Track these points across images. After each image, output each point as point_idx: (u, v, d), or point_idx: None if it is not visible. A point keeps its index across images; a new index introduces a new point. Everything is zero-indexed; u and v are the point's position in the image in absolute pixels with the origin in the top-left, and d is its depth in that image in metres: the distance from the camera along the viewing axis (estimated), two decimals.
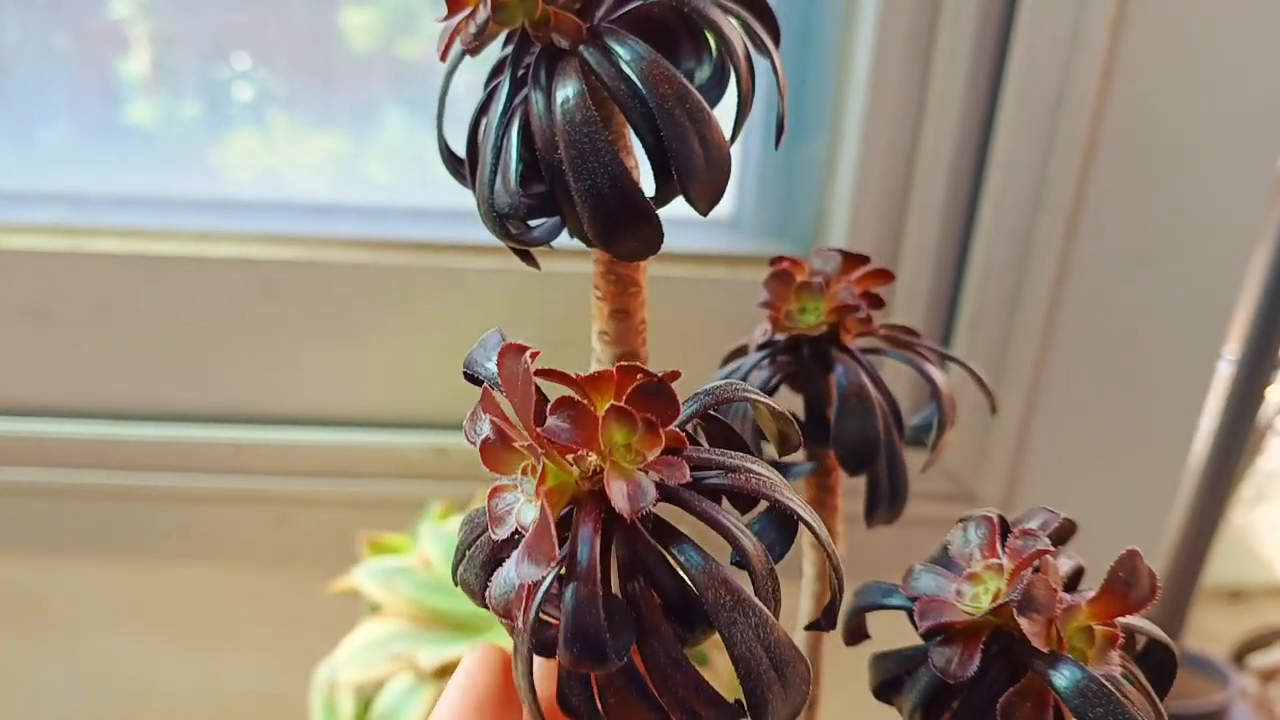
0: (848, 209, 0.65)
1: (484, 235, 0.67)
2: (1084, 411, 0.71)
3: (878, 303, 0.30)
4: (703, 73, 0.25)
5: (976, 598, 0.23)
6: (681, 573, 0.20)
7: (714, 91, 0.25)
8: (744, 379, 0.30)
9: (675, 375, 0.20)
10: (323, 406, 0.70)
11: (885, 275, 0.30)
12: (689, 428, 0.22)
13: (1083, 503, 0.74)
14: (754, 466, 0.21)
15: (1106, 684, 0.20)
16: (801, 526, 0.22)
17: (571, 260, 0.68)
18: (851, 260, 0.30)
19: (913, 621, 0.24)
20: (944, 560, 0.24)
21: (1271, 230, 0.76)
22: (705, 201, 0.23)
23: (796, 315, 0.30)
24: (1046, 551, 0.22)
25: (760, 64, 0.25)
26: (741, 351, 0.33)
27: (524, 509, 0.19)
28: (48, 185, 0.68)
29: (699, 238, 0.69)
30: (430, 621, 0.51)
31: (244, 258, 0.66)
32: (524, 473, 0.19)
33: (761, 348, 0.31)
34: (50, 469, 0.70)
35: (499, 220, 0.23)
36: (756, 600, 0.19)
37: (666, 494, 0.20)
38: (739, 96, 0.24)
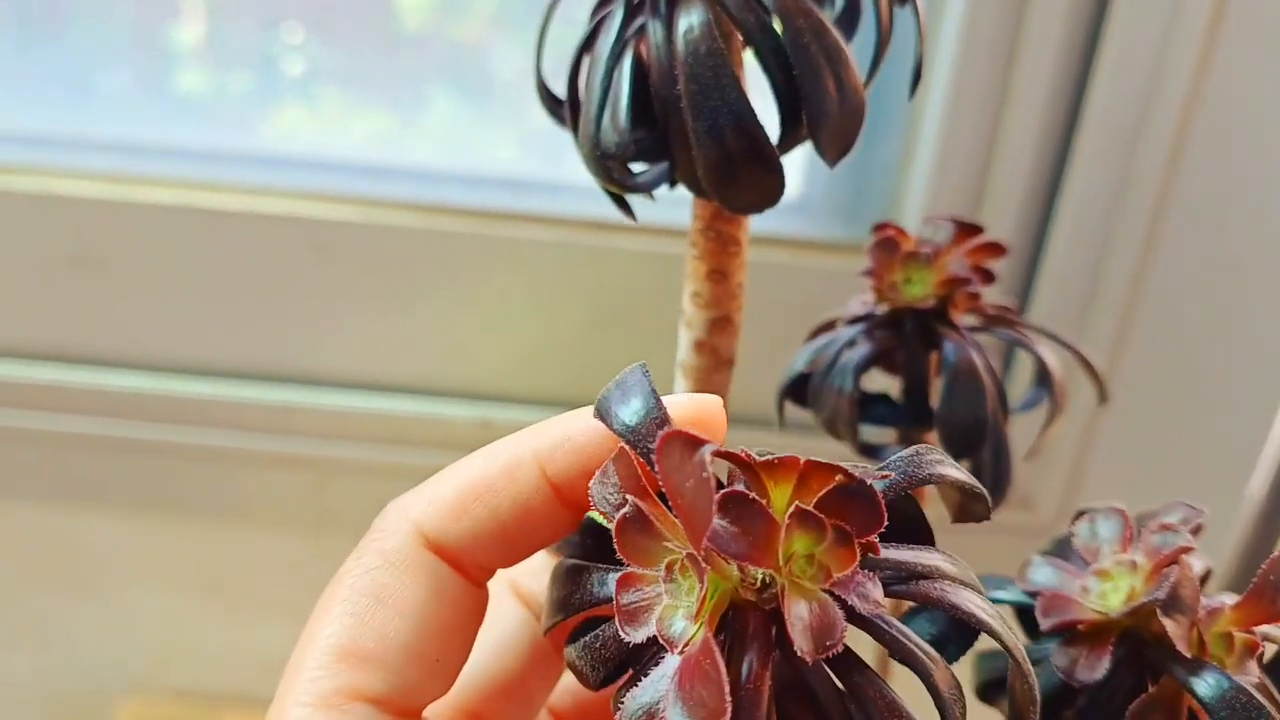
0: (923, 197, 0.63)
1: (540, 205, 0.66)
2: (1152, 420, 0.69)
3: (989, 278, 0.28)
4: (833, 9, 0.23)
5: (1105, 595, 0.21)
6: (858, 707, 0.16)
7: (845, 31, 0.23)
8: (837, 354, 0.28)
9: (884, 477, 0.17)
10: (369, 372, 0.69)
11: (998, 249, 0.28)
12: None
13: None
14: (946, 567, 0.17)
15: (1255, 695, 0.19)
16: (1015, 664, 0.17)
17: (628, 236, 0.67)
18: (965, 230, 0.28)
19: (1019, 619, 0.23)
20: (1063, 553, 0.23)
21: None
22: (835, 150, 0.21)
23: (901, 286, 0.28)
24: (1189, 549, 0.20)
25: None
26: (830, 326, 0.31)
27: (674, 619, 0.16)
28: (103, 134, 0.67)
29: (761, 219, 0.67)
30: None
31: (295, 215, 0.65)
32: (669, 569, 0.16)
33: (856, 321, 0.29)
34: (91, 418, 0.69)
35: (604, 161, 0.22)
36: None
37: (853, 618, 0.16)
38: (878, 36, 0.22)
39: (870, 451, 0.30)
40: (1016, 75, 0.60)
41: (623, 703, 0.17)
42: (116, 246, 0.66)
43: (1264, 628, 0.22)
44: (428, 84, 0.66)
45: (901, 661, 0.17)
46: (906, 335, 0.28)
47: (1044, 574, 0.21)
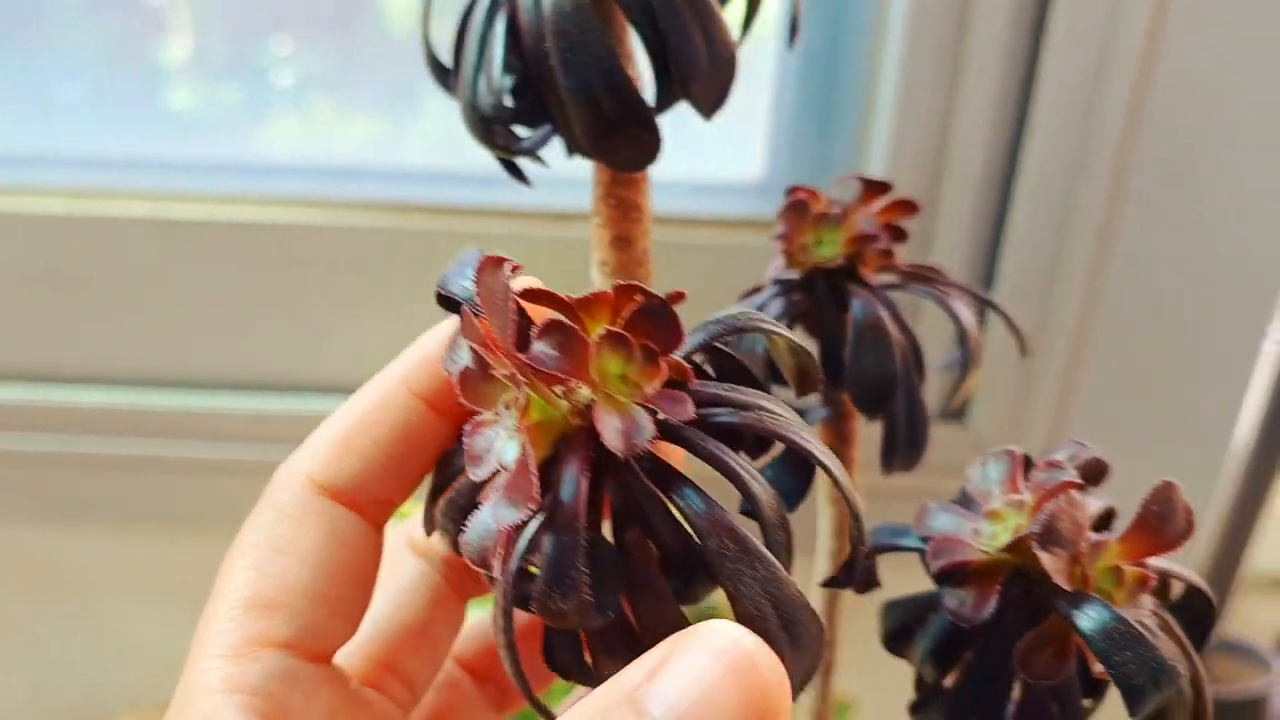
0: (883, 174, 0.63)
1: (510, 199, 0.66)
2: (1125, 386, 0.69)
3: (900, 235, 0.28)
4: None
5: (995, 536, 0.21)
6: (682, 519, 0.18)
7: None
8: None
9: (680, 296, 0.18)
10: (349, 375, 0.69)
11: (909, 206, 0.28)
12: (695, 360, 0.20)
13: (1121, 479, 0.71)
14: (768, 404, 0.19)
15: (1136, 625, 0.18)
16: (818, 472, 0.19)
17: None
18: (873, 188, 0.28)
19: (925, 565, 0.23)
20: (963, 501, 0.23)
21: None
22: (708, 103, 0.21)
23: (812, 248, 0.28)
24: (1073, 484, 0.20)
25: None
26: (755, 293, 0.31)
27: (505, 446, 0.17)
28: (66, 149, 0.68)
29: (727, 202, 0.67)
30: None
31: (266, 222, 0.65)
32: (506, 407, 0.17)
33: (774, 285, 0.29)
34: (73, 437, 0.69)
35: (484, 126, 0.22)
36: (766, 551, 0.17)
37: (667, 432, 0.17)
38: None
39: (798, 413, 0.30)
40: (969, 46, 0.60)
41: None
42: (89, 262, 0.67)
43: (1161, 564, 0.22)
44: (417, 88, 0.67)
45: (718, 469, 0.18)
46: (819, 296, 0.28)
47: (940, 520, 0.21)
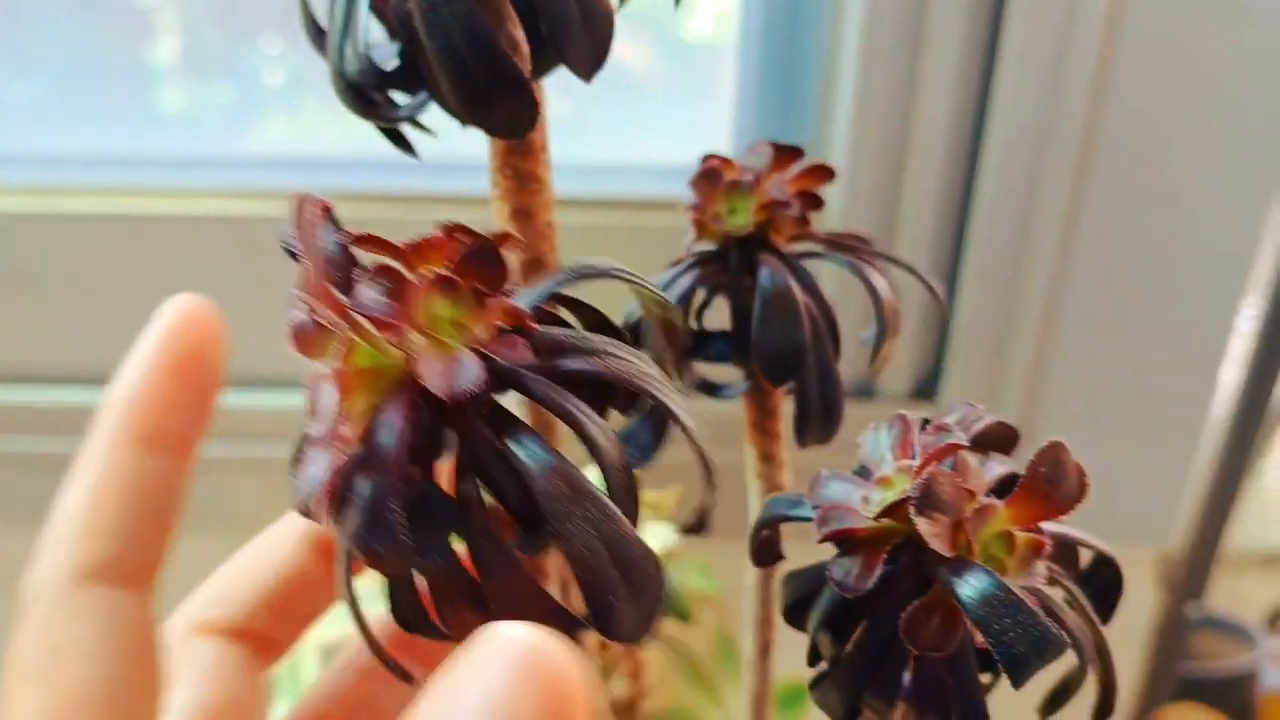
0: (845, 152, 0.62)
1: (473, 187, 0.65)
2: (1098, 362, 0.68)
3: (815, 202, 0.28)
4: None
5: (885, 503, 0.20)
6: (517, 467, 0.17)
7: None
8: (665, 291, 0.28)
9: (507, 237, 0.17)
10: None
11: (823, 172, 0.28)
12: (552, 310, 0.19)
13: (1099, 457, 0.70)
14: (620, 352, 0.18)
15: (1016, 592, 0.18)
16: (675, 425, 0.19)
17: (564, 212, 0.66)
18: (785, 154, 0.27)
19: None
20: (862, 470, 0.22)
21: None
22: (584, 65, 0.20)
23: (725, 217, 0.27)
24: (959, 446, 0.19)
25: None
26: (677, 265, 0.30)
27: (327, 395, 0.17)
28: (19, 146, 0.67)
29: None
30: None
31: (221, 215, 0.65)
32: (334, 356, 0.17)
33: (689, 257, 0.28)
34: (34, 437, 0.69)
35: (353, 92, 0.21)
36: (599, 492, 0.17)
37: (502, 378, 0.17)
38: None
39: (711, 389, 0.29)
40: (929, 20, 0.59)
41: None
42: (46, 260, 0.66)
43: (1064, 531, 0.21)
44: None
45: (555, 413, 0.17)
46: (732, 267, 0.27)
47: (831, 488, 0.21)
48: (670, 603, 0.17)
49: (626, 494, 0.18)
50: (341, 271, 0.17)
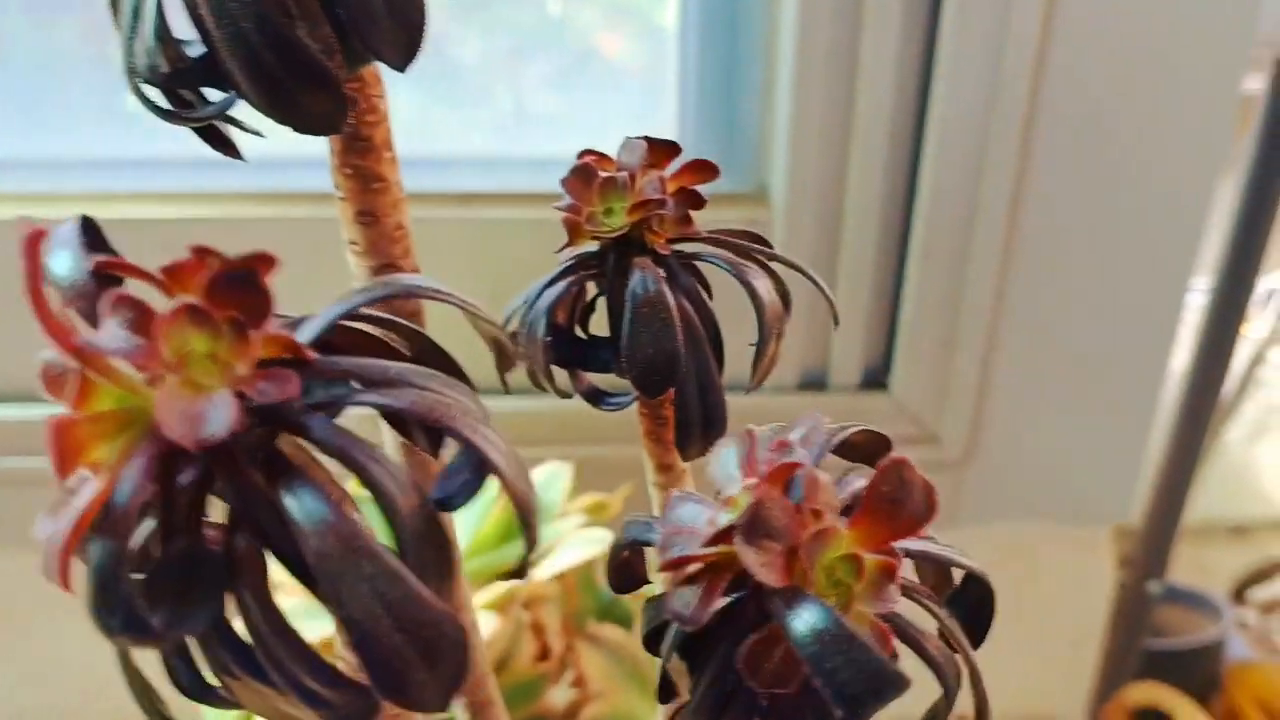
0: (787, 137, 0.61)
1: (428, 183, 0.63)
2: (1049, 346, 0.67)
3: (696, 200, 0.26)
4: None
5: (723, 525, 0.19)
6: (289, 521, 0.15)
7: None
8: (537, 298, 0.26)
9: (266, 259, 0.15)
10: None
11: (704, 168, 0.26)
12: (359, 332, 0.18)
13: (1054, 441, 0.69)
14: (426, 383, 0.17)
15: (849, 627, 0.16)
16: (498, 477, 0.17)
17: (535, 207, 0.64)
18: (661, 150, 0.26)
19: None
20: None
21: (1240, 156, 0.71)
22: (395, 54, 0.19)
23: (601, 218, 0.26)
24: (795, 466, 0.18)
25: None
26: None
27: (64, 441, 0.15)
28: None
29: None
30: None
31: (146, 218, 0.63)
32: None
33: (568, 260, 0.27)
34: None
35: (139, 91, 0.19)
36: (383, 550, 0.15)
37: (270, 417, 0.15)
38: None
39: (597, 399, 0.28)
40: (866, 5, 0.58)
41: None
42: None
43: (927, 548, 0.20)
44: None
45: (333, 455, 0.16)
46: (609, 270, 0.26)
47: (680, 510, 0.19)
48: (467, 668, 0.15)
49: (426, 544, 0.16)
50: (86, 301, 0.15)
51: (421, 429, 0.18)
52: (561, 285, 0.26)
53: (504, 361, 0.19)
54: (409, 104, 0.67)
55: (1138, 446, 0.70)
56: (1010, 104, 0.59)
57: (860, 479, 0.20)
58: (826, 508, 0.18)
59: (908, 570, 0.20)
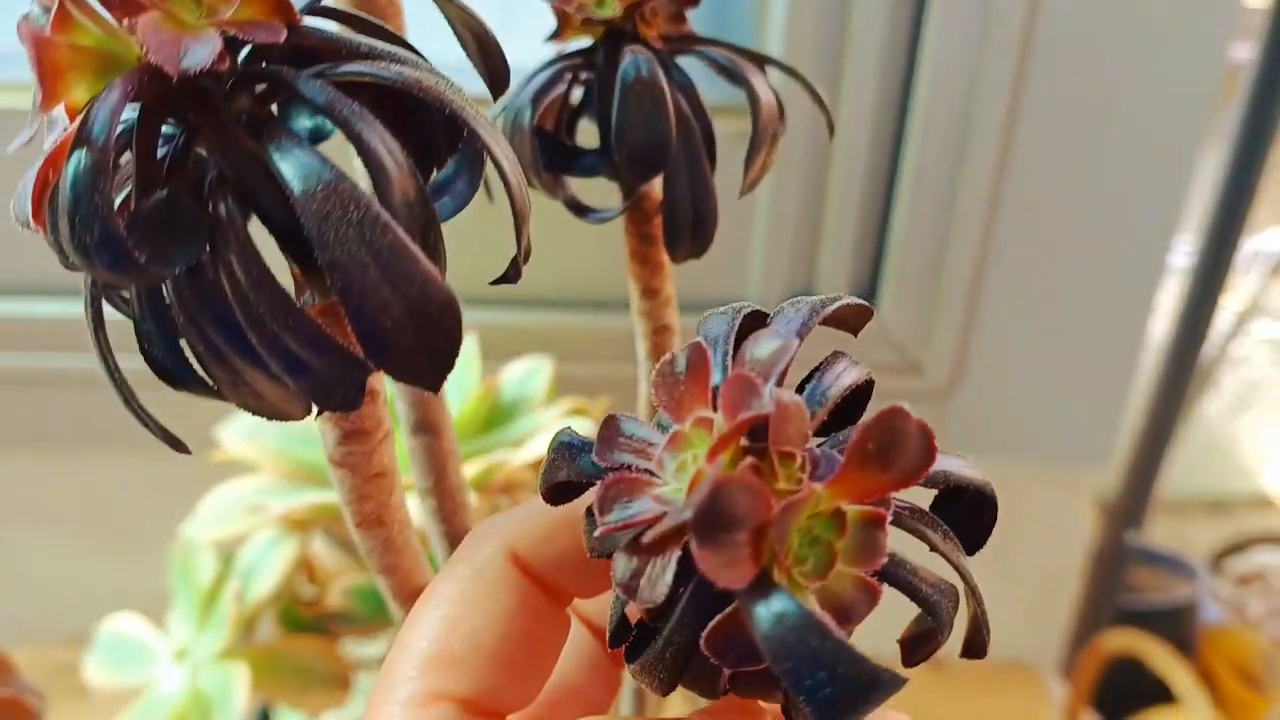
0: (780, 57, 0.60)
1: None
2: (1036, 282, 0.66)
3: None
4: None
5: (684, 469, 0.16)
6: (278, 177, 0.15)
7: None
8: (521, 90, 0.25)
9: None
10: None
11: None
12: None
13: (1037, 378, 0.69)
14: (409, 60, 0.16)
15: (827, 629, 0.14)
16: (493, 162, 0.16)
17: None
18: None
19: None
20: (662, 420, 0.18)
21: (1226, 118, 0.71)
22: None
23: (592, 7, 0.25)
24: (758, 418, 0.15)
25: None
26: None
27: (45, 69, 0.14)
28: None
29: None
30: (298, 475, 0.47)
31: None
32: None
33: (556, 55, 0.26)
34: None
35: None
36: (378, 207, 0.14)
37: (258, 72, 0.15)
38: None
39: (585, 210, 0.27)
40: None
41: None
42: None
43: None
44: None
45: (335, 123, 0.15)
46: (599, 62, 0.25)
47: (622, 449, 0.17)
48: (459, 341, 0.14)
49: (416, 219, 0.15)
50: None
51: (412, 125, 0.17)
52: (547, 74, 0.25)
53: (490, 62, 0.18)
54: None
55: (1122, 387, 0.70)
56: (1004, 28, 0.58)
57: (846, 369, 0.18)
58: (799, 439, 0.16)
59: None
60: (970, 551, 0.19)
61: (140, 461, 0.69)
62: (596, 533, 0.16)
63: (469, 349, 0.50)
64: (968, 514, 0.19)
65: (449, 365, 0.15)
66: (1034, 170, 0.63)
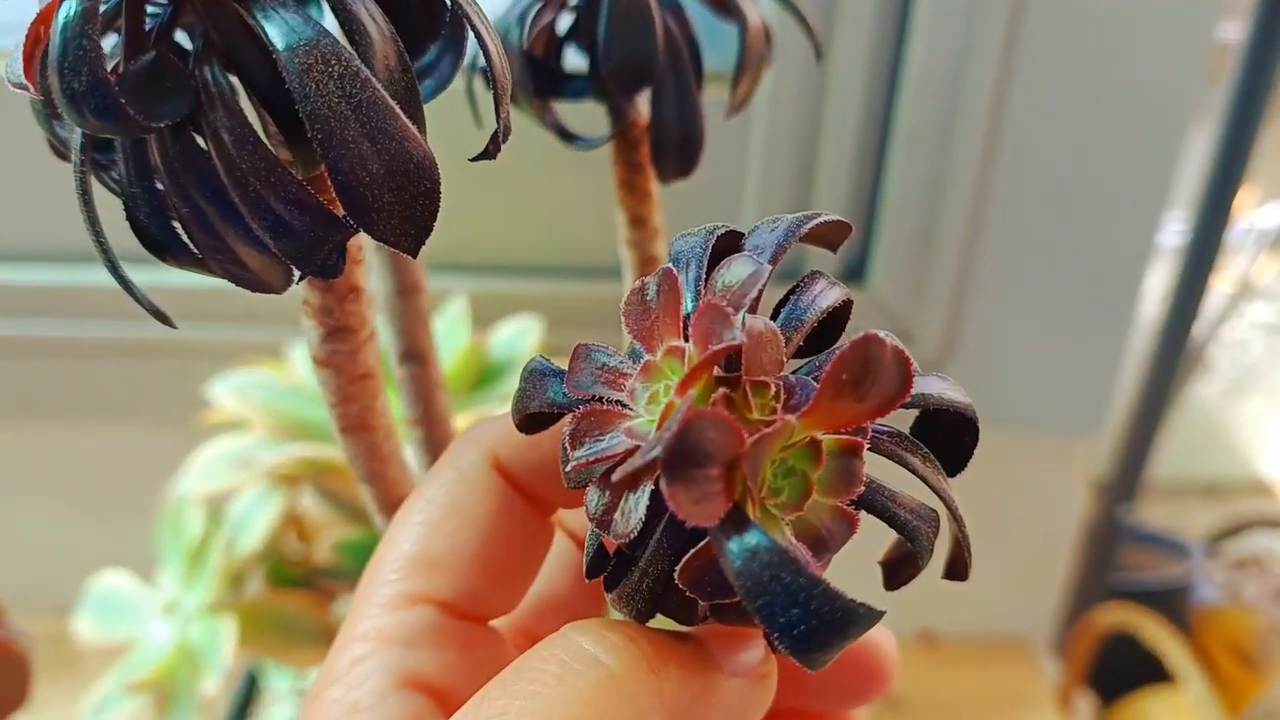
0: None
1: None
2: (1029, 250, 0.66)
3: None
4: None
5: (655, 400, 0.16)
6: (265, 41, 0.14)
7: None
8: (513, 7, 0.25)
9: None
10: None
11: None
12: None
13: (1030, 346, 0.69)
14: None
15: (801, 566, 0.14)
16: (473, 32, 0.16)
17: None
18: None
19: None
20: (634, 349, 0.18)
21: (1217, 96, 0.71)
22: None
23: None
24: (729, 350, 0.15)
25: None
26: None
27: None
28: None
29: None
30: (287, 431, 0.47)
31: None
32: None
33: None
34: None
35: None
36: (352, 53, 0.14)
37: None
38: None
39: (572, 137, 0.27)
40: None
41: None
42: None
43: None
44: None
45: None
46: None
47: (590, 374, 0.17)
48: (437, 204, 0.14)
49: (398, 88, 0.15)
50: None
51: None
52: None
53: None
54: None
55: (1113, 356, 0.70)
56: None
57: (827, 289, 0.18)
58: (773, 365, 0.15)
59: None
60: (951, 474, 0.19)
61: (129, 430, 0.69)
62: (568, 467, 0.16)
63: (459, 310, 0.50)
64: (948, 436, 0.19)
65: (428, 227, 0.15)
66: (1026, 139, 0.63)
